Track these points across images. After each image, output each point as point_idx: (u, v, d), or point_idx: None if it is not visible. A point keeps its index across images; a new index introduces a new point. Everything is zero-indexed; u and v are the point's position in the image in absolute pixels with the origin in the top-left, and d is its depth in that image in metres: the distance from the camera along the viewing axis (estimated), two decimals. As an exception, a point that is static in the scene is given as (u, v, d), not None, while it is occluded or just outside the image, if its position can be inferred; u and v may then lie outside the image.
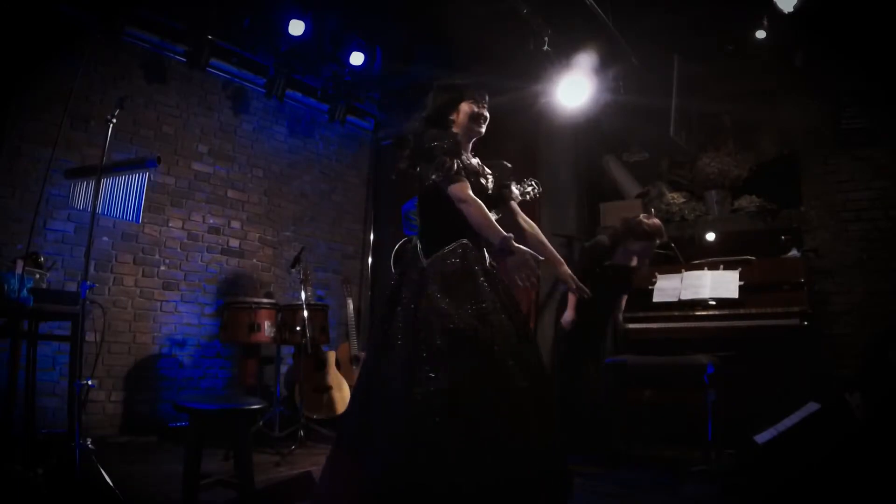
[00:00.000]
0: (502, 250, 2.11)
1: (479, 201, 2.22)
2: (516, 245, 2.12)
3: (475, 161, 2.47)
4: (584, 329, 4.08)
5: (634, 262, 4.14)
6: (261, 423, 4.24)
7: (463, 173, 2.27)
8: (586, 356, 4.07)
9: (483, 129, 2.47)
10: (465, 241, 2.28)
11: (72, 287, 4.10)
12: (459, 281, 2.20)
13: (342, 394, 5.00)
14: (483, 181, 2.40)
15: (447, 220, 2.28)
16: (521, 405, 2.06)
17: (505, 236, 2.11)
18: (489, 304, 2.16)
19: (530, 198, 2.62)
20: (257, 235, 5.57)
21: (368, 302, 6.44)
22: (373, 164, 6.71)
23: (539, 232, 2.55)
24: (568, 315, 4.10)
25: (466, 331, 2.08)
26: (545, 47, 4.55)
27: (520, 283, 2.13)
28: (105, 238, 4.58)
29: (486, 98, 2.49)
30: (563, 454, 2.23)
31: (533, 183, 2.73)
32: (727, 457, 3.66)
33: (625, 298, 4.30)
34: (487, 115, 2.47)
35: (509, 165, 2.58)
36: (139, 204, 3.17)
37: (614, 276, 4.08)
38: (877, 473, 2.80)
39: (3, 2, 3.93)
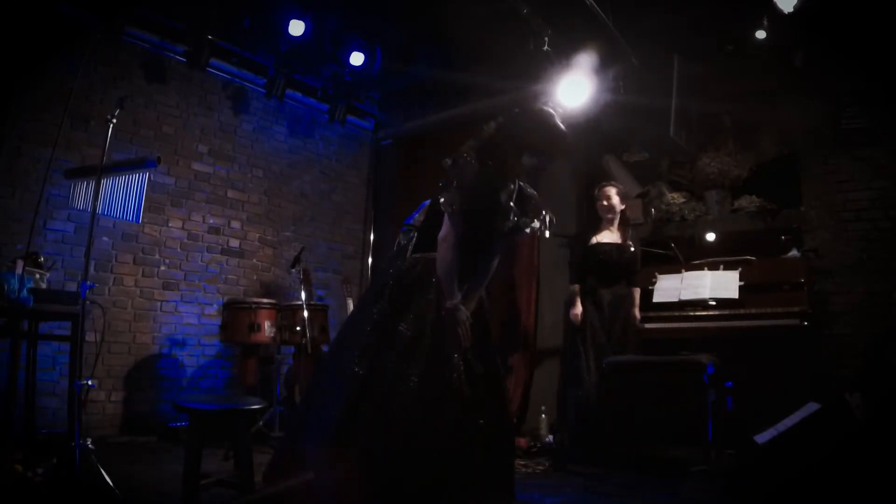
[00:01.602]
0: (448, 311, 2.16)
1: (452, 255, 2.18)
2: (459, 316, 2.16)
3: (504, 196, 2.30)
4: (590, 327, 4.10)
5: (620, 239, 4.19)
6: (261, 423, 4.23)
7: (460, 218, 2.18)
8: (593, 355, 4.07)
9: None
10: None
11: (72, 287, 4.10)
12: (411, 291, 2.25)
13: (342, 394, 5.00)
14: (491, 222, 2.28)
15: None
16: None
17: (454, 304, 2.15)
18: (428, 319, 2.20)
19: (538, 233, 2.49)
20: (257, 235, 5.57)
21: (368, 302, 6.44)
22: (373, 164, 6.71)
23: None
24: (576, 308, 4.12)
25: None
26: (545, 47, 4.55)
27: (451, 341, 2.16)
28: (105, 238, 4.58)
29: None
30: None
31: (547, 218, 2.60)
32: (727, 457, 3.66)
33: (637, 292, 4.29)
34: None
35: (538, 203, 2.46)
36: (139, 204, 3.17)
37: (606, 259, 4.12)
38: (877, 473, 2.80)
39: (4, 2, 3.93)
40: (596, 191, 4.39)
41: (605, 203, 4.26)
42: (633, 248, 4.27)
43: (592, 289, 4.18)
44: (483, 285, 2.37)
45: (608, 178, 4.88)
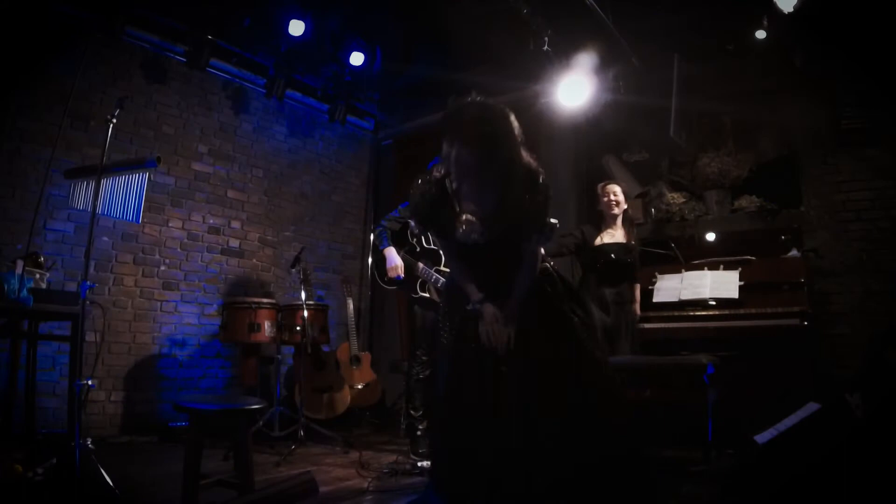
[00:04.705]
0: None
1: (451, 263, 2.47)
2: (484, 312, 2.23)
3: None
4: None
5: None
6: (261, 423, 4.23)
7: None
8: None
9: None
10: None
11: (72, 287, 4.10)
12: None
13: (342, 394, 5.00)
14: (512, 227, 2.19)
15: None
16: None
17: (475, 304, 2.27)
18: None
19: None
20: (257, 235, 5.56)
21: (368, 302, 6.44)
22: (373, 164, 6.71)
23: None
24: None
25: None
26: (545, 47, 4.55)
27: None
28: (105, 238, 4.58)
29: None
30: None
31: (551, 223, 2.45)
32: (727, 457, 3.66)
33: (637, 288, 4.29)
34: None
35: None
36: (139, 204, 3.17)
37: (614, 259, 4.13)
38: (877, 473, 2.80)
39: (3, 1, 3.93)
40: (599, 189, 4.35)
41: (611, 199, 4.21)
42: (635, 246, 4.30)
43: (595, 289, 4.17)
44: (524, 285, 2.28)
45: (609, 178, 4.88)
